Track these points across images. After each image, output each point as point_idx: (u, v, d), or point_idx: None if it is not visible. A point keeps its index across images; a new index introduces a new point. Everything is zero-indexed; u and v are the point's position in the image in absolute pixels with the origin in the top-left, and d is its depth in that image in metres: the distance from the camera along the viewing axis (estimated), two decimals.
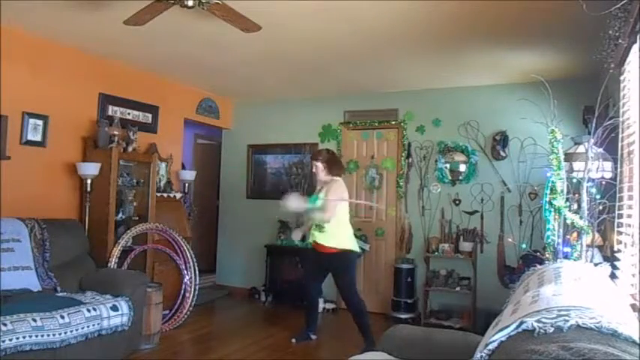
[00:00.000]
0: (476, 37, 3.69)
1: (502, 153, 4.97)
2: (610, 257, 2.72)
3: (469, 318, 4.79)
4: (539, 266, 2.13)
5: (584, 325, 1.07)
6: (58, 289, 3.55)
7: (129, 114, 4.86)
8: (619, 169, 2.57)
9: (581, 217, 2.54)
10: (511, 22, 3.35)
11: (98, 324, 3.23)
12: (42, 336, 2.86)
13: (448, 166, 5.20)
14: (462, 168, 5.15)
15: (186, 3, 2.51)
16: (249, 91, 5.91)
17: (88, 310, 3.20)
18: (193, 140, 7.22)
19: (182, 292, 4.65)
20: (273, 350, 4.05)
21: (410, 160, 5.42)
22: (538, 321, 1.13)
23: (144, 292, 3.72)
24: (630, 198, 2.29)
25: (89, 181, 4.17)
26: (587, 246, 2.56)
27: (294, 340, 4.24)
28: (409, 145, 5.43)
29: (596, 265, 2.49)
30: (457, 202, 5.17)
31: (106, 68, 4.62)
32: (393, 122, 5.54)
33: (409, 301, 5.11)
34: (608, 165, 2.67)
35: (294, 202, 4.05)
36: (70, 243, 3.83)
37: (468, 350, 1.74)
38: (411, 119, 5.45)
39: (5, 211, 3.62)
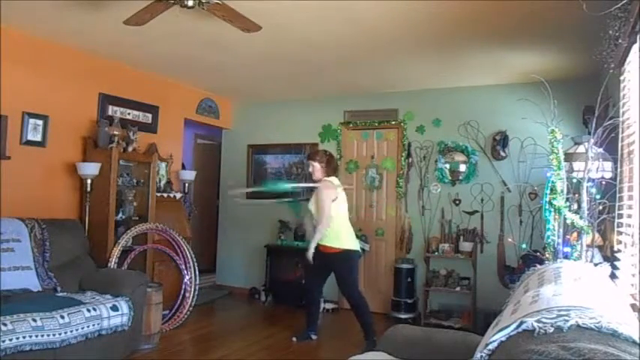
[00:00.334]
0: (476, 37, 3.69)
1: (502, 153, 4.97)
2: (610, 257, 2.72)
3: (469, 318, 4.79)
4: (539, 266, 2.13)
5: (584, 325, 1.07)
6: (58, 289, 3.55)
7: (129, 114, 4.86)
8: (619, 169, 2.56)
9: (581, 217, 2.54)
10: (511, 22, 3.35)
11: (98, 324, 3.23)
12: (42, 336, 2.86)
13: (448, 166, 5.20)
14: (462, 168, 5.15)
15: (186, 3, 2.51)
16: (249, 91, 5.91)
17: (88, 310, 3.20)
18: (193, 140, 7.22)
19: (182, 292, 4.65)
20: (273, 350, 4.06)
21: (410, 160, 5.42)
22: (538, 321, 1.13)
23: (144, 292, 3.72)
24: (630, 198, 2.29)
25: (89, 181, 4.17)
26: (587, 246, 2.56)
27: (294, 339, 4.25)
28: (409, 145, 5.43)
29: (596, 265, 2.49)
30: (457, 202, 5.17)
31: (106, 68, 4.62)
32: (393, 122, 5.54)
33: (409, 301, 5.11)
34: (608, 165, 2.67)
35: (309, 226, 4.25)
36: (70, 243, 3.83)
37: (468, 350, 1.74)
38: (411, 119, 5.45)
39: (5, 211, 3.62)
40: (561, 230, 2.65)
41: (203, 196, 6.95)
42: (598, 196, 2.58)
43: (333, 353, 4.12)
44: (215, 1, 2.62)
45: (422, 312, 5.13)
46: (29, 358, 2.80)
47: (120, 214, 4.45)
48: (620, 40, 2.26)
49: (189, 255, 4.73)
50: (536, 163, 4.52)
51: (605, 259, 2.74)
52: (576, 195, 2.69)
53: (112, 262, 4.10)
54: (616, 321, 1.09)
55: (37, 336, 2.84)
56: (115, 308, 3.37)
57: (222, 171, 6.66)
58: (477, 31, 3.58)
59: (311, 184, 4.42)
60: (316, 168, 4.18)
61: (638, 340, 1.02)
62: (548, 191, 2.69)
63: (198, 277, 4.78)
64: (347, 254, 4.07)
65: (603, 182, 2.65)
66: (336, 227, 4.04)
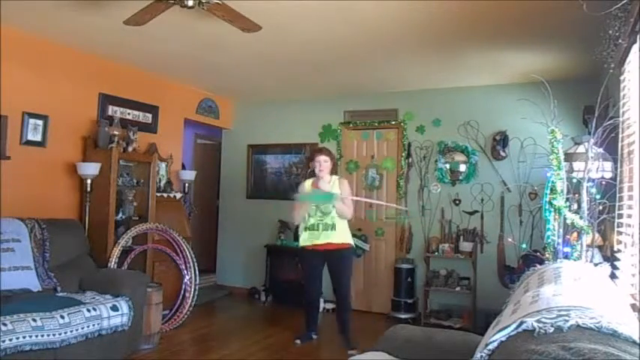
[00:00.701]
0: (476, 37, 3.69)
1: (502, 153, 4.97)
2: (610, 257, 2.72)
3: (469, 318, 4.79)
4: (539, 266, 2.13)
5: (584, 325, 1.07)
6: (58, 289, 3.55)
7: (129, 114, 4.86)
8: (619, 169, 2.56)
9: (581, 217, 2.54)
10: (511, 22, 3.35)
11: (98, 324, 3.23)
12: (42, 336, 2.86)
13: (448, 166, 5.21)
14: (462, 168, 5.15)
15: (186, 3, 2.51)
16: (249, 91, 5.91)
17: (88, 310, 3.20)
18: (193, 140, 7.22)
19: (182, 292, 4.65)
20: (273, 350, 4.05)
21: (410, 160, 5.42)
22: (538, 321, 1.13)
23: (144, 292, 3.72)
24: (630, 198, 2.29)
25: (89, 181, 4.17)
26: (587, 246, 2.56)
27: (298, 342, 4.23)
28: (409, 145, 5.43)
29: (596, 265, 2.49)
30: (457, 202, 5.17)
31: (106, 68, 4.62)
32: (393, 122, 5.54)
33: (409, 301, 5.11)
34: (608, 165, 2.67)
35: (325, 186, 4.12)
36: (70, 243, 3.83)
37: (468, 350, 1.74)
38: (411, 119, 5.45)
39: (5, 211, 3.62)
40: (561, 230, 2.65)
41: (203, 196, 6.95)
42: (598, 196, 2.58)
43: (333, 353, 4.12)
44: (215, 1, 2.62)
45: (422, 312, 5.13)
46: (29, 358, 2.80)
47: (120, 214, 4.45)
48: (620, 40, 2.26)
49: (189, 255, 4.73)
50: (536, 163, 4.52)
51: (605, 259, 2.74)
52: (576, 195, 2.69)
53: (112, 262, 4.10)
54: (616, 321, 1.09)
55: (37, 336, 2.84)
56: (115, 308, 3.37)
57: (222, 171, 6.66)
58: (477, 31, 3.58)
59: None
60: (329, 164, 4.16)
61: (638, 340, 1.02)
62: (548, 191, 2.69)
63: (198, 277, 4.78)
64: (352, 250, 4.25)
65: (603, 182, 2.65)
66: (344, 223, 4.14)
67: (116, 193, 4.32)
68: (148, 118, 5.09)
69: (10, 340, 2.71)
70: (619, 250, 2.55)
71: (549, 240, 2.70)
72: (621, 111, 2.52)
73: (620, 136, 2.55)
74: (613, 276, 2.45)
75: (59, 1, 3.21)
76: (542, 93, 2.86)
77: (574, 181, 2.72)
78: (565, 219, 2.61)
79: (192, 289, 4.68)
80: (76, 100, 4.35)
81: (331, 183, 4.16)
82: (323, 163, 4.14)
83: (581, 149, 2.74)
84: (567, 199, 2.65)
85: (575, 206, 2.68)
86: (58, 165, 4.21)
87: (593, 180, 2.60)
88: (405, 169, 5.43)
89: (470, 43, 3.83)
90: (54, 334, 2.93)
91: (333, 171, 4.24)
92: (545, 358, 0.94)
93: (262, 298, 5.83)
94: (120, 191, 4.47)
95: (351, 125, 5.77)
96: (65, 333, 3.00)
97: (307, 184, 4.31)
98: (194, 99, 5.83)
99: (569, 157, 2.75)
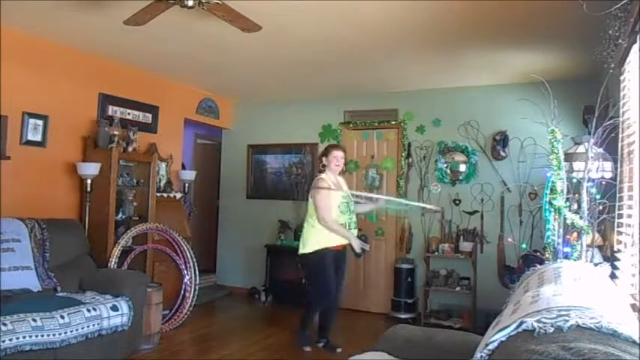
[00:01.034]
0: (476, 37, 3.69)
1: (502, 153, 4.97)
2: (610, 257, 2.72)
3: (469, 318, 4.79)
4: (539, 266, 2.13)
5: (584, 325, 1.07)
6: (58, 289, 3.55)
7: (129, 114, 4.86)
8: (619, 169, 2.56)
9: (581, 217, 2.54)
10: (511, 22, 3.35)
11: (98, 324, 3.23)
12: (42, 336, 2.87)
13: (448, 166, 5.21)
14: (462, 168, 5.15)
15: (186, 3, 2.51)
16: (249, 91, 5.91)
17: (88, 310, 3.21)
18: (193, 140, 7.22)
19: (182, 292, 4.65)
20: (273, 350, 4.05)
21: (410, 160, 5.42)
22: (538, 321, 1.13)
23: (144, 292, 3.72)
24: (630, 198, 2.29)
25: (89, 181, 4.17)
26: (587, 246, 2.56)
27: (321, 345, 4.08)
28: (409, 145, 5.43)
29: (596, 265, 2.49)
30: (457, 202, 5.17)
31: (106, 68, 4.62)
32: (393, 122, 5.54)
33: (409, 301, 5.11)
34: (608, 165, 2.66)
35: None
36: (70, 243, 3.83)
37: (468, 350, 1.74)
38: (411, 119, 5.45)
39: (5, 211, 3.62)
40: (561, 230, 2.65)
41: (203, 196, 6.95)
42: (598, 196, 2.58)
43: (333, 353, 4.12)
44: (215, 1, 2.62)
45: (422, 312, 5.13)
46: (29, 358, 2.80)
47: (120, 214, 4.45)
48: (620, 40, 2.26)
49: (189, 255, 4.73)
50: (536, 163, 4.52)
51: (605, 259, 2.74)
52: (576, 195, 2.69)
53: (112, 262, 4.10)
54: (616, 321, 1.09)
55: (37, 336, 2.84)
56: (115, 308, 3.37)
57: (222, 171, 6.66)
58: (477, 31, 3.58)
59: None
60: (344, 161, 4.09)
61: (638, 340, 1.02)
62: (548, 191, 2.69)
63: (198, 277, 4.78)
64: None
65: (603, 182, 2.65)
66: None
67: (116, 193, 4.32)
68: (148, 118, 5.09)
69: (10, 340, 2.71)
70: (619, 250, 2.55)
71: (549, 240, 2.70)
72: (621, 111, 2.52)
73: (620, 136, 2.55)
74: (613, 276, 2.45)
75: (59, 1, 3.21)
76: (542, 93, 2.85)
77: (574, 181, 2.72)
78: (565, 219, 2.61)
79: (192, 289, 4.68)
80: (76, 100, 4.35)
81: (341, 182, 4.14)
82: (340, 159, 4.03)
83: (581, 149, 2.74)
84: (567, 199, 2.65)
85: (575, 206, 2.68)
86: (58, 165, 4.20)
87: (593, 180, 2.60)
88: (405, 169, 5.43)
89: (470, 43, 3.83)
90: (54, 334, 2.93)
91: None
92: (545, 358, 0.94)
93: (262, 298, 5.83)
94: (120, 191, 4.47)
95: (351, 125, 5.77)
96: (65, 333, 3.00)
97: (330, 178, 4.01)
98: (194, 99, 5.83)
99: (569, 157, 2.74)
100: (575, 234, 2.61)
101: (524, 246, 4.57)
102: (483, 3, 3.03)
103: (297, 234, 5.72)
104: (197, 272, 4.77)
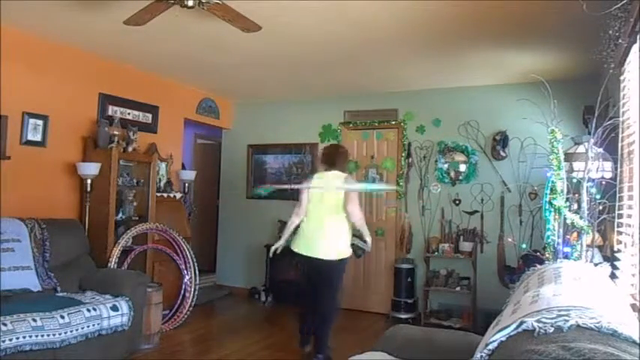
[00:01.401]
0: (476, 37, 3.69)
1: (502, 153, 4.97)
2: (610, 257, 2.72)
3: (469, 318, 4.79)
4: (539, 266, 2.13)
5: (584, 325, 1.07)
6: (58, 289, 3.56)
7: (129, 114, 4.86)
8: (619, 169, 2.56)
9: (581, 217, 2.54)
10: (511, 22, 3.35)
11: (98, 324, 3.23)
12: (42, 336, 2.87)
13: (448, 166, 5.21)
14: (462, 168, 5.15)
15: (186, 3, 2.51)
16: (249, 91, 5.91)
17: (88, 310, 3.21)
18: (193, 140, 7.22)
19: (182, 292, 4.66)
20: (273, 350, 4.06)
21: (410, 160, 5.42)
22: (538, 321, 1.13)
23: (144, 292, 3.72)
24: (630, 198, 2.29)
25: (89, 181, 4.17)
26: (587, 246, 2.56)
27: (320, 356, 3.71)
28: (409, 145, 5.43)
29: (596, 265, 2.49)
30: (457, 202, 5.17)
31: (106, 68, 4.62)
32: (393, 122, 5.54)
33: (409, 301, 5.11)
34: (608, 165, 2.66)
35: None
36: (70, 243, 3.83)
37: (468, 350, 1.74)
38: (411, 119, 5.45)
39: (5, 211, 3.62)
40: (561, 230, 2.65)
41: (203, 196, 6.95)
42: (598, 196, 2.58)
43: (333, 353, 4.12)
44: (215, 1, 2.62)
45: (422, 312, 5.13)
46: (29, 358, 2.80)
47: (120, 214, 4.45)
48: (620, 40, 2.26)
49: (189, 255, 4.73)
50: (536, 163, 4.52)
51: (605, 259, 2.74)
52: (576, 195, 2.69)
53: (112, 262, 4.10)
54: (616, 321, 1.09)
55: (37, 336, 2.84)
56: (115, 308, 3.37)
57: (222, 171, 6.66)
58: (477, 31, 3.58)
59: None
60: None
61: (638, 340, 1.02)
62: (548, 191, 2.69)
63: (198, 277, 4.78)
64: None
65: (603, 182, 2.65)
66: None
67: (116, 193, 4.32)
68: (148, 118, 5.09)
69: (10, 340, 2.71)
70: (619, 250, 2.55)
71: (549, 240, 2.70)
72: (621, 111, 2.52)
73: (620, 136, 2.55)
74: (613, 276, 2.45)
75: (59, 1, 3.21)
76: (542, 93, 2.85)
77: (574, 181, 2.72)
78: (565, 219, 2.61)
79: (192, 289, 4.68)
80: (76, 100, 4.35)
81: None
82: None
83: (581, 149, 2.74)
84: (567, 199, 2.65)
85: (575, 206, 2.68)
86: (58, 165, 4.20)
87: (593, 180, 2.60)
88: (405, 169, 5.43)
89: (470, 43, 3.83)
90: (54, 334, 2.93)
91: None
92: (545, 358, 0.94)
93: (262, 298, 5.83)
94: (120, 191, 4.47)
95: (351, 125, 5.77)
96: (65, 333, 3.00)
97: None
98: (194, 99, 5.83)
99: (569, 157, 2.74)
100: (575, 234, 2.61)
101: (524, 246, 4.57)
102: (483, 3, 3.03)
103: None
104: (197, 272, 4.77)
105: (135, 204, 4.63)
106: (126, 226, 4.46)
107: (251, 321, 5.08)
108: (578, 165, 2.69)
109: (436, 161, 5.26)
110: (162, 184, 5.07)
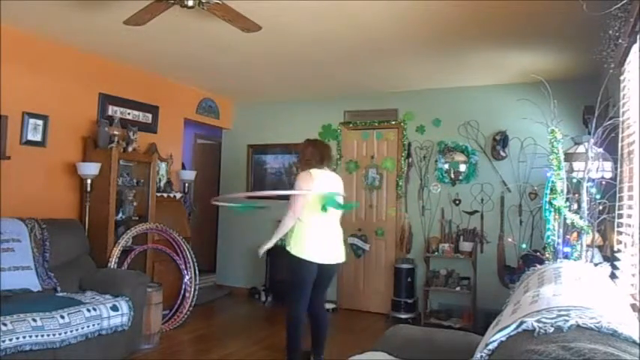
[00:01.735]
0: (476, 37, 3.69)
1: (502, 153, 4.97)
2: (610, 257, 2.72)
3: (469, 318, 4.79)
4: (539, 266, 2.13)
5: (584, 325, 1.07)
6: (58, 289, 3.55)
7: (129, 114, 4.86)
8: (619, 169, 2.56)
9: (581, 217, 2.54)
10: (511, 22, 3.35)
11: (98, 324, 3.23)
12: (42, 336, 2.87)
13: (448, 166, 5.21)
14: (462, 168, 5.15)
15: (186, 3, 2.51)
16: (249, 91, 5.91)
17: (88, 310, 3.21)
18: (193, 140, 7.22)
19: (182, 292, 4.66)
20: (273, 350, 4.05)
21: (410, 160, 5.42)
22: (538, 321, 1.13)
23: (144, 292, 3.72)
24: (630, 198, 2.29)
25: (89, 181, 4.17)
26: (587, 246, 2.56)
27: None
28: (409, 145, 5.43)
29: (596, 265, 2.49)
30: (457, 202, 5.17)
31: (106, 68, 4.62)
32: (393, 122, 5.54)
33: (409, 301, 5.11)
34: (608, 165, 2.66)
35: None
36: (70, 243, 3.83)
37: (468, 350, 1.74)
38: (411, 119, 5.45)
39: (5, 211, 3.62)
40: (561, 230, 2.65)
41: (203, 196, 6.93)
42: (598, 196, 2.58)
43: (332, 353, 4.12)
44: (215, 1, 2.62)
45: (422, 312, 5.13)
46: (29, 358, 2.80)
47: (120, 214, 4.45)
48: (620, 40, 2.26)
49: (189, 255, 4.73)
50: (536, 163, 4.52)
51: (605, 259, 2.74)
52: (576, 195, 2.69)
53: (112, 262, 4.10)
54: (616, 321, 1.09)
55: (37, 336, 2.84)
56: (115, 308, 3.37)
57: (222, 171, 6.66)
58: (477, 31, 3.58)
59: None
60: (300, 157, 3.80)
61: (638, 340, 1.02)
62: (548, 191, 2.69)
63: (198, 277, 4.78)
64: (290, 255, 3.52)
65: (603, 182, 2.65)
66: (293, 229, 3.56)
67: (116, 193, 4.32)
68: (148, 118, 5.09)
69: (10, 340, 2.71)
70: (619, 250, 2.55)
71: (549, 240, 2.70)
72: (621, 111, 2.52)
73: (620, 136, 2.55)
74: (613, 276, 2.45)
75: (59, 1, 3.21)
76: (542, 93, 2.85)
77: (574, 181, 2.72)
78: (565, 219, 2.61)
79: (192, 289, 4.68)
80: (76, 100, 4.35)
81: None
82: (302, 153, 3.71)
83: (581, 149, 2.74)
84: (567, 199, 2.65)
85: (575, 206, 2.68)
86: (58, 165, 4.20)
87: (593, 180, 2.60)
88: (405, 169, 5.43)
89: (470, 43, 3.83)
90: (54, 334, 2.93)
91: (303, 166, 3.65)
92: (545, 358, 0.94)
93: (262, 298, 5.83)
94: (120, 191, 4.47)
95: (351, 125, 5.77)
96: (65, 333, 3.00)
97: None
98: (194, 99, 5.83)
99: (569, 157, 2.74)
100: (575, 234, 2.61)
101: (524, 246, 4.57)
102: (483, 3, 3.03)
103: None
104: (197, 272, 4.77)
105: (135, 204, 4.63)
106: (126, 226, 4.46)
107: (251, 321, 5.08)
108: (578, 165, 2.69)
109: (436, 161, 5.26)
110: (162, 184, 5.07)
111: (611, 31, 2.25)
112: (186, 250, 4.73)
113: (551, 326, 1.09)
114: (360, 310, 5.50)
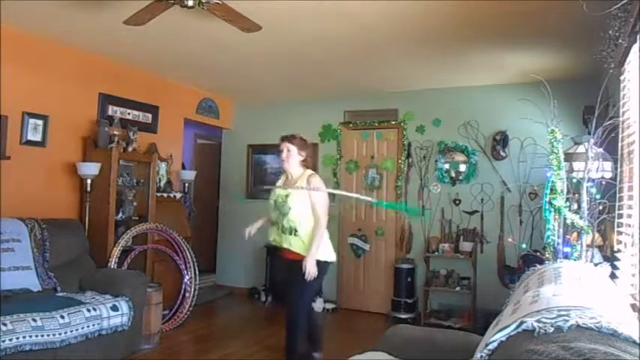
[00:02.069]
0: (476, 37, 3.69)
1: (502, 153, 4.97)
2: (610, 257, 2.72)
3: (469, 318, 4.79)
4: (539, 266, 2.13)
5: (584, 325, 1.07)
6: (58, 289, 3.55)
7: (129, 114, 4.86)
8: (619, 169, 2.56)
9: (581, 217, 2.54)
10: (511, 22, 3.35)
11: (98, 324, 3.23)
12: (42, 336, 2.87)
13: (448, 166, 5.21)
14: (462, 168, 5.15)
15: (186, 3, 2.51)
16: (249, 91, 5.91)
17: (88, 310, 3.21)
18: (193, 140, 7.22)
19: (182, 292, 4.66)
20: (273, 350, 4.05)
21: (410, 160, 5.42)
22: (538, 321, 1.13)
23: (144, 292, 3.72)
24: (630, 198, 2.29)
25: (89, 181, 4.17)
26: (587, 246, 2.56)
27: None
28: (409, 145, 5.43)
29: (596, 265, 2.49)
30: (457, 202, 5.17)
31: (106, 68, 4.62)
32: (393, 122, 5.54)
33: (409, 301, 5.11)
34: (608, 165, 2.67)
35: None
36: (70, 243, 3.83)
37: (468, 350, 1.74)
38: (411, 119, 5.45)
39: (5, 211, 3.62)
40: (561, 230, 2.65)
41: (203, 196, 6.94)
42: (598, 196, 2.58)
43: (332, 353, 4.12)
44: (215, 1, 2.62)
45: (422, 312, 5.13)
46: (29, 358, 2.80)
47: (120, 214, 4.45)
48: (620, 40, 2.26)
49: (189, 255, 4.73)
50: (536, 163, 4.52)
51: (605, 259, 2.74)
52: (576, 195, 2.69)
53: (112, 262, 4.10)
54: (616, 321, 1.09)
55: (37, 336, 2.84)
56: (115, 308, 3.37)
57: (222, 171, 6.66)
58: (477, 31, 3.58)
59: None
60: (292, 154, 3.49)
61: (638, 340, 1.02)
62: (548, 191, 2.69)
63: (198, 277, 4.78)
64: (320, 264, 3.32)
65: (603, 182, 2.65)
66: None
67: (116, 193, 4.32)
68: (148, 118, 5.09)
69: (10, 340, 2.71)
70: (619, 250, 2.55)
71: (549, 240, 2.70)
72: (621, 111, 2.52)
73: (620, 136, 2.55)
74: (613, 276, 2.45)
75: (59, 1, 3.21)
76: (542, 93, 2.85)
77: (574, 181, 2.72)
78: (565, 219, 2.61)
79: (192, 289, 4.68)
80: (76, 100, 4.35)
81: (300, 181, 3.42)
82: (285, 152, 3.46)
83: (581, 149, 2.74)
84: (567, 199, 2.65)
85: (575, 206, 2.68)
86: (58, 165, 4.20)
87: (593, 180, 2.60)
88: (405, 169, 5.43)
89: (470, 43, 3.83)
90: (54, 334, 2.93)
91: (304, 164, 3.52)
92: (545, 358, 0.94)
93: (262, 298, 5.83)
94: (120, 191, 4.47)
95: (351, 125, 5.77)
96: (65, 333, 3.00)
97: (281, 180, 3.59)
98: (194, 99, 5.83)
99: (569, 157, 2.74)
100: (575, 234, 2.61)
101: (524, 246, 4.57)
102: (483, 3, 3.03)
103: None
104: (197, 272, 4.77)
105: (135, 204, 4.63)
106: (126, 226, 4.46)
107: (251, 321, 5.08)
108: (578, 165, 2.69)
109: (436, 161, 5.26)
110: (162, 184, 5.07)
111: (611, 31, 2.25)
112: (186, 250, 4.73)
113: (551, 326, 1.09)
114: (360, 310, 5.51)
